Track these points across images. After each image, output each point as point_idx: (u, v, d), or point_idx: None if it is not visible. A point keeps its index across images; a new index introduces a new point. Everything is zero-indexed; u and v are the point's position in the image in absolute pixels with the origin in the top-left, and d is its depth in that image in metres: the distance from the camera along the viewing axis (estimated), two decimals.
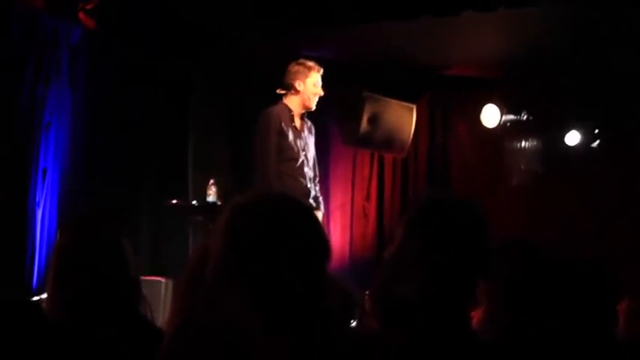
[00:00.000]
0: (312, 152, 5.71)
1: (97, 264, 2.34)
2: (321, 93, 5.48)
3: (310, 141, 5.71)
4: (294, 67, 5.48)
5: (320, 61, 5.53)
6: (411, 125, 6.49)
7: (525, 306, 2.36)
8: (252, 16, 5.50)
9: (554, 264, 2.49)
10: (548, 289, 2.39)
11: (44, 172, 5.40)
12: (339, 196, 7.06)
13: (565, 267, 2.48)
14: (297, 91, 5.48)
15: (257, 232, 1.68)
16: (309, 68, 5.47)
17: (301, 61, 5.49)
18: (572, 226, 6.15)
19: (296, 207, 1.77)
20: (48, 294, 2.38)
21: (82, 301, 2.30)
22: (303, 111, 5.57)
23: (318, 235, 1.73)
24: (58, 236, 2.43)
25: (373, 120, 6.31)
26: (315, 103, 5.51)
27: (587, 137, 6.50)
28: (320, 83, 5.48)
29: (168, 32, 5.81)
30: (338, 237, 6.95)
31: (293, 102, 5.51)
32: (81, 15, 5.53)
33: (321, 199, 5.78)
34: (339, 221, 7.09)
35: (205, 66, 6.39)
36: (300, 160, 5.55)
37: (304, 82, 5.47)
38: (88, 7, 5.51)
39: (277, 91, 5.53)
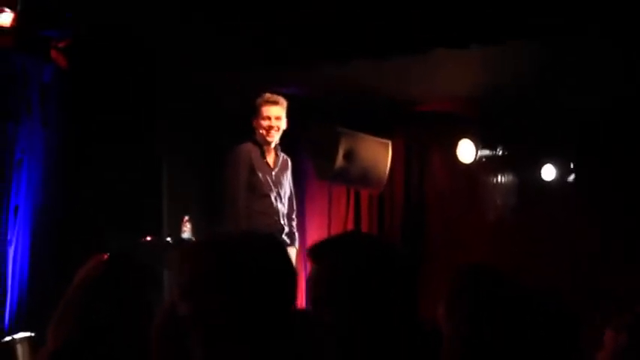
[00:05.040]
0: (286, 187, 5.84)
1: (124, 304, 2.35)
2: (276, 125, 5.59)
3: (285, 176, 5.85)
4: (253, 104, 5.67)
5: (285, 95, 5.66)
6: (387, 161, 6.63)
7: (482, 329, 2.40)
8: (224, 55, 5.64)
9: (513, 295, 2.54)
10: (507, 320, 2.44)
11: (16, 209, 5.45)
12: (315, 232, 7.17)
13: (524, 299, 2.55)
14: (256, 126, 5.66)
15: (213, 269, 1.73)
16: (258, 103, 5.63)
17: (260, 96, 5.65)
18: (549, 262, 6.28)
19: (255, 244, 1.80)
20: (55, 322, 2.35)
21: (92, 339, 2.29)
22: (269, 146, 5.71)
23: (281, 270, 1.78)
24: (89, 266, 2.42)
25: (349, 156, 6.43)
26: (270, 137, 5.63)
27: (564, 171, 6.68)
28: (272, 115, 5.60)
29: (142, 69, 5.92)
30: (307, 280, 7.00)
31: (259, 137, 5.69)
32: (53, 53, 5.60)
33: (296, 235, 5.90)
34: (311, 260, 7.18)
35: (180, 104, 6.51)
36: (273, 197, 5.69)
37: (256, 117, 5.64)
38: (60, 45, 5.60)
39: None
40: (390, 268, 2.13)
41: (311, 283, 2.12)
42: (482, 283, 2.29)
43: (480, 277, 2.37)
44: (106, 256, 2.46)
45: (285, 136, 5.81)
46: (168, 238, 5.77)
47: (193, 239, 5.60)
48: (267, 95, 5.65)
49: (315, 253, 2.16)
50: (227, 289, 1.70)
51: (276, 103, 5.64)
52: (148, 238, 5.67)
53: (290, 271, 1.79)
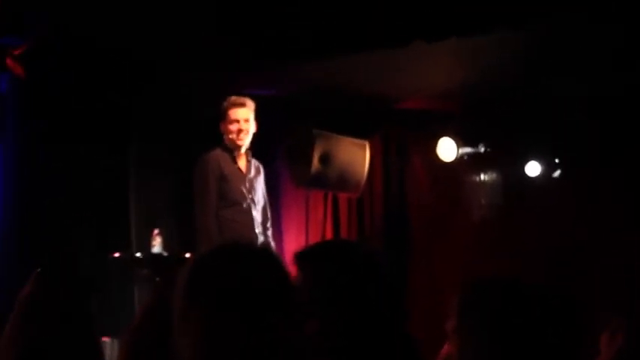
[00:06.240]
0: (260, 194, 5.79)
1: (63, 330, 2.34)
2: (245, 128, 5.54)
3: (258, 182, 5.79)
4: (220, 108, 5.61)
5: (254, 97, 5.63)
6: (365, 162, 6.59)
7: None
8: (194, 58, 5.61)
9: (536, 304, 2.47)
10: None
11: None
12: (293, 240, 7.05)
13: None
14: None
15: (218, 288, 1.74)
16: (225, 106, 5.58)
17: (226, 100, 5.60)
18: (535, 261, 6.23)
19: (252, 253, 1.85)
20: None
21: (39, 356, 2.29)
22: (239, 151, 5.64)
23: (274, 278, 1.79)
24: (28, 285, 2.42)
25: (325, 159, 6.39)
26: (240, 140, 5.58)
27: (548, 167, 6.64)
28: (240, 117, 5.55)
29: (103, 78, 5.84)
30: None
31: (229, 142, 5.63)
32: (8, 61, 5.54)
33: (272, 244, 5.83)
34: (294, 267, 7.10)
35: (145, 112, 6.44)
36: (246, 204, 5.63)
37: (224, 121, 5.59)
38: (16, 52, 5.53)
39: None
40: (374, 276, 2.19)
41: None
42: (495, 297, 2.24)
43: (492, 291, 2.31)
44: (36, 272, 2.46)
45: (257, 141, 5.75)
46: (138, 254, 5.70)
47: (164, 254, 5.51)
48: (234, 98, 5.62)
49: (300, 259, 2.23)
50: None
51: (243, 105, 5.60)
52: (117, 255, 5.60)
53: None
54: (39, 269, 2.47)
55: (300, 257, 2.24)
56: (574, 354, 2.51)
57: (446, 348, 2.82)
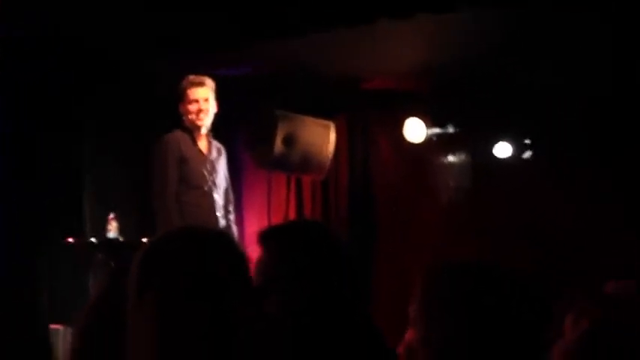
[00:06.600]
0: (222, 176, 5.76)
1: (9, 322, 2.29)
2: (205, 108, 5.50)
3: (220, 164, 5.75)
4: (178, 88, 5.57)
5: (214, 76, 5.59)
6: (330, 144, 6.57)
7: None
8: (156, 38, 5.59)
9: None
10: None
11: None
12: (254, 223, 7.03)
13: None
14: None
15: (172, 271, 1.75)
16: (183, 86, 5.53)
17: (184, 79, 5.56)
18: (503, 243, 6.25)
19: (208, 238, 1.84)
20: None
21: None
22: (199, 132, 5.59)
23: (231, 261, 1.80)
24: None
25: (288, 140, 6.37)
26: (200, 120, 5.53)
27: (518, 148, 6.63)
28: (200, 97, 5.51)
29: (60, 59, 5.80)
30: (253, 267, 6.90)
31: (188, 123, 5.58)
32: None
33: (234, 228, 5.82)
34: (255, 252, 7.03)
35: (101, 95, 6.40)
36: (207, 187, 5.59)
37: (183, 101, 5.54)
38: None
39: None
40: (337, 256, 2.28)
41: (257, 269, 2.23)
42: (460, 279, 2.21)
43: (457, 274, 2.28)
44: None
45: (218, 122, 5.70)
46: (93, 239, 5.65)
47: (120, 239, 5.48)
48: (192, 77, 5.56)
49: (264, 237, 2.31)
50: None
51: (202, 84, 5.54)
52: (70, 239, 5.57)
53: None
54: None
55: (265, 236, 2.32)
56: (541, 336, 2.47)
57: (409, 333, 2.78)
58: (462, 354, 2.17)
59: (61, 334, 4.85)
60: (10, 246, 5.61)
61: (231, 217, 5.83)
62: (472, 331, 2.16)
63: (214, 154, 5.69)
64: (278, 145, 6.33)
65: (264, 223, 6.94)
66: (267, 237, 2.33)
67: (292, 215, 7.11)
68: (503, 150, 6.62)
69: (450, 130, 6.64)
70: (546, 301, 2.55)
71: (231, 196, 5.89)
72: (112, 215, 5.53)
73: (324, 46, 5.84)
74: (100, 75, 6.16)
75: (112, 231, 5.49)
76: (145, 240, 4.80)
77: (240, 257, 1.82)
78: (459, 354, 2.17)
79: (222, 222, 5.61)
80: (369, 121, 7.09)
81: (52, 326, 4.92)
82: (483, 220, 6.53)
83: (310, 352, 2.13)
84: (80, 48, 5.80)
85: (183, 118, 5.57)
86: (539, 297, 2.57)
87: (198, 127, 5.55)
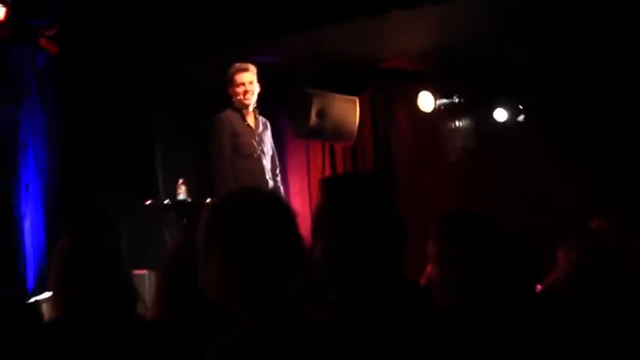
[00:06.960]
0: (268, 146, 5.79)
1: (98, 269, 2.34)
2: (250, 89, 5.53)
3: (266, 136, 5.78)
4: (226, 76, 5.63)
5: (256, 63, 5.62)
6: (356, 116, 6.61)
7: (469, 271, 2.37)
8: (204, 36, 5.56)
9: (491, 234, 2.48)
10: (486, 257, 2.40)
11: (27, 186, 5.42)
12: (297, 184, 7.15)
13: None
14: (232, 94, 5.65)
15: (235, 225, 1.75)
16: (231, 73, 5.59)
17: (231, 67, 5.61)
18: (503, 200, 6.25)
19: (261, 198, 1.85)
20: (51, 295, 2.37)
21: (82, 303, 2.29)
22: (247, 110, 5.65)
23: (286, 219, 1.80)
24: (60, 241, 2.44)
25: (321, 114, 6.39)
26: (247, 100, 5.56)
27: (513, 113, 6.66)
28: (245, 80, 5.53)
29: (128, 51, 5.82)
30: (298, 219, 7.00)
31: (237, 103, 5.65)
32: (42, 41, 5.55)
33: (281, 189, 5.86)
34: (299, 207, 7.17)
35: (165, 81, 6.42)
36: (257, 155, 5.64)
37: (231, 86, 5.60)
38: (49, 33, 5.54)
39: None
40: (379, 205, 2.06)
41: (315, 212, 2.03)
42: (467, 225, 2.33)
43: (464, 221, 2.38)
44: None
45: (262, 100, 5.73)
46: (166, 201, 5.72)
47: (188, 200, 5.56)
48: (237, 65, 5.61)
49: (323, 184, 2.19)
50: None
51: (246, 69, 5.59)
52: (148, 202, 5.63)
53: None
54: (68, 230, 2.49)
55: (325, 181, 2.32)
56: (534, 271, 2.62)
57: (429, 267, 2.90)
58: (469, 281, 2.26)
59: (146, 277, 4.90)
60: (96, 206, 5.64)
61: (278, 179, 5.86)
62: (475, 264, 2.26)
63: (261, 127, 5.71)
64: (313, 118, 6.37)
65: (305, 183, 7.14)
66: (324, 184, 2.23)
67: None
68: (500, 114, 6.68)
69: (456, 100, 6.68)
70: (530, 241, 2.69)
71: (277, 162, 5.89)
72: (181, 180, 5.59)
73: (348, 35, 5.80)
74: (165, 66, 6.19)
75: (182, 194, 5.55)
76: (208, 200, 5.00)
77: (288, 212, 1.82)
78: (466, 281, 2.26)
79: (270, 183, 5.64)
80: (388, 95, 7.11)
81: (137, 271, 4.98)
82: (485, 174, 6.56)
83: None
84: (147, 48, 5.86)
85: (233, 99, 5.62)
86: (525, 237, 2.73)
87: (246, 106, 5.60)
